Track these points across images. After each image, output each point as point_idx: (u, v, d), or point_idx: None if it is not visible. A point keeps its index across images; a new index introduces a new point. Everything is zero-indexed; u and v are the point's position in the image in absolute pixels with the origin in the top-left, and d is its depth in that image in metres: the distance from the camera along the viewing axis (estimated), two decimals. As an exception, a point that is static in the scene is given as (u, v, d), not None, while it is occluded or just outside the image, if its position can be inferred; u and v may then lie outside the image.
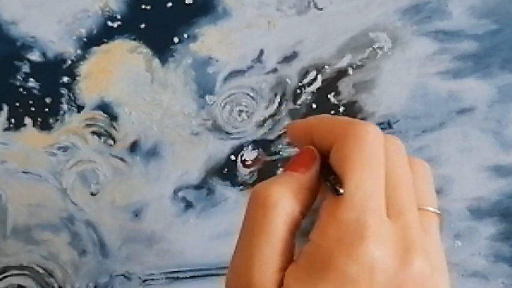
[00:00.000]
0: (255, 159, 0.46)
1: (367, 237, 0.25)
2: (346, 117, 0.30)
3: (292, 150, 0.46)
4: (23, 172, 0.45)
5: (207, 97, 0.45)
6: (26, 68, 0.44)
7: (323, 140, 0.30)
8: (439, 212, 0.30)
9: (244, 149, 0.46)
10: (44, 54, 0.44)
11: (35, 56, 0.44)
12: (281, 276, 0.27)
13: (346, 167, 0.27)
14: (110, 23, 0.44)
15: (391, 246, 0.26)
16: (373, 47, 0.45)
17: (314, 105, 0.46)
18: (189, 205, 0.46)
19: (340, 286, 0.25)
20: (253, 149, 0.46)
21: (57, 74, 0.44)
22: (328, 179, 0.28)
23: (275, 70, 0.45)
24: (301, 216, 0.28)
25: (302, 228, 0.28)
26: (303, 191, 0.29)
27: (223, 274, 0.46)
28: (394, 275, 0.25)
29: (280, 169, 0.46)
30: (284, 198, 0.28)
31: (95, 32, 0.44)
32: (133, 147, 0.45)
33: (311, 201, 0.29)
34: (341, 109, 0.46)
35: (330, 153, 0.29)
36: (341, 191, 0.27)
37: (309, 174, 0.29)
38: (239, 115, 0.46)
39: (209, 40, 0.45)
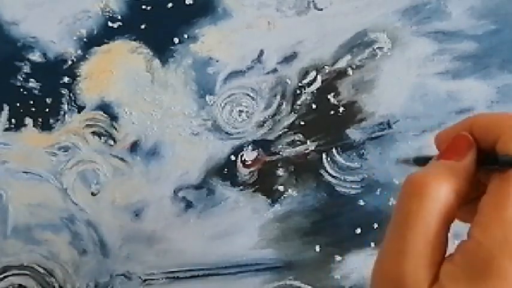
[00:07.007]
0: (255, 159, 0.46)
1: None
2: (509, 112, 0.28)
3: (292, 150, 0.46)
4: (24, 172, 0.45)
5: (207, 97, 0.45)
6: (26, 68, 0.44)
7: (487, 133, 0.27)
8: None
9: (244, 149, 0.46)
10: (44, 55, 0.44)
11: (35, 56, 0.44)
12: (433, 271, 0.25)
13: None
14: (110, 24, 0.44)
15: None
16: (373, 48, 0.46)
17: (314, 106, 0.46)
18: (189, 205, 0.46)
19: None
20: (253, 149, 0.46)
21: (57, 74, 0.44)
22: (496, 163, 0.26)
23: (275, 70, 0.45)
24: (457, 208, 0.27)
25: None
26: (459, 181, 0.27)
27: (223, 274, 0.46)
28: None
29: (280, 169, 0.46)
30: (441, 189, 0.26)
31: (96, 32, 0.44)
32: (134, 147, 0.45)
33: (467, 192, 0.27)
34: (341, 109, 0.46)
35: (498, 144, 0.27)
36: None
37: (465, 162, 0.27)
38: (239, 115, 0.46)
39: (209, 40, 0.45)
